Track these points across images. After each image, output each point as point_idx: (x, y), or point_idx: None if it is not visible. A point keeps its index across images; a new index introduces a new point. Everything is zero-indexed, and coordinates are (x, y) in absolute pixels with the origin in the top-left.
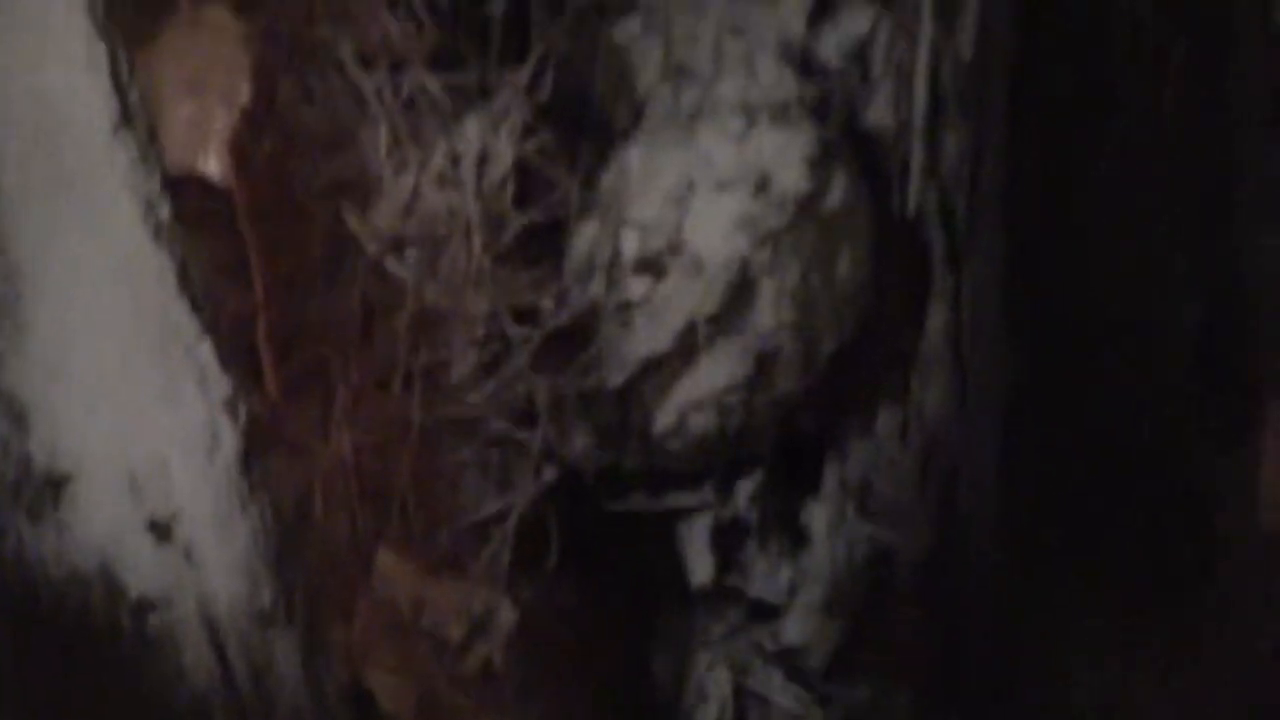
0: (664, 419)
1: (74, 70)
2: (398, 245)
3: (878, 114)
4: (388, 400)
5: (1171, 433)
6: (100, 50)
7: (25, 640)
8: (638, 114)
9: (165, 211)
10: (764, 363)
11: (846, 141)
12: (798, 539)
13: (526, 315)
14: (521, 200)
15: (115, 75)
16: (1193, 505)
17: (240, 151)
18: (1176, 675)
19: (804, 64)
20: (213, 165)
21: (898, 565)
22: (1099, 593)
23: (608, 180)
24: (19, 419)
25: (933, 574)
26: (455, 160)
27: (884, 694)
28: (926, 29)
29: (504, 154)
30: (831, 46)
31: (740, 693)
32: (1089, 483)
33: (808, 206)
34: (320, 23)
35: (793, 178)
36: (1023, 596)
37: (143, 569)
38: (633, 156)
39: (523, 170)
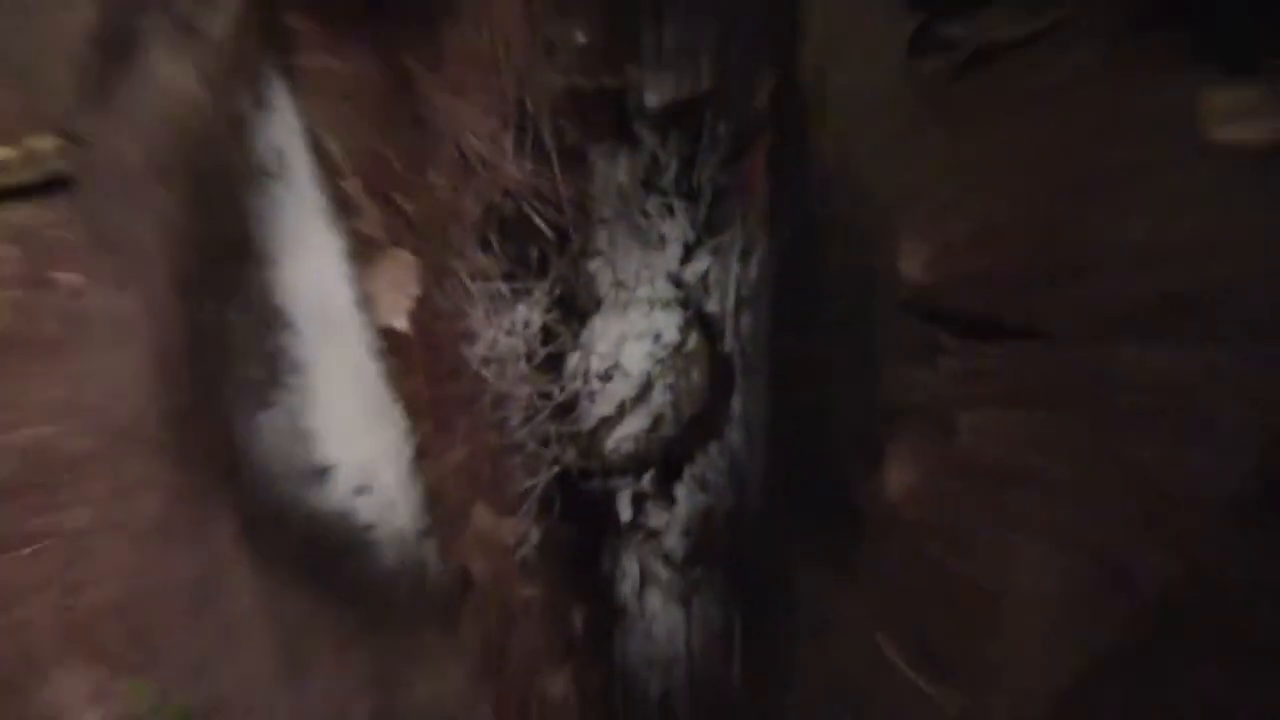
0: (610, 445)
1: (336, 282)
2: (487, 362)
3: (713, 306)
4: (481, 427)
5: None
6: (347, 271)
7: (311, 557)
8: (599, 303)
9: (377, 343)
10: (656, 420)
11: (698, 318)
12: (671, 501)
13: (545, 395)
14: (545, 342)
15: (357, 281)
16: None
17: (414, 317)
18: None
19: (677, 282)
20: (401, 323)
21: (717, 513)
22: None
23: (584, 335)
24: (307, 440)
25: (733, 520)
26: (513, 325)
27: (719, 572)
28: (734, 269)
29: (536, 321)
30: (690, 274)
31: (643, 572)
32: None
33: (678, 348)
34: (451, 259)
35: (672, 334)
36: (774, 529)
37: (364, 511)
38: (596, 324)
39: (545, 330)
